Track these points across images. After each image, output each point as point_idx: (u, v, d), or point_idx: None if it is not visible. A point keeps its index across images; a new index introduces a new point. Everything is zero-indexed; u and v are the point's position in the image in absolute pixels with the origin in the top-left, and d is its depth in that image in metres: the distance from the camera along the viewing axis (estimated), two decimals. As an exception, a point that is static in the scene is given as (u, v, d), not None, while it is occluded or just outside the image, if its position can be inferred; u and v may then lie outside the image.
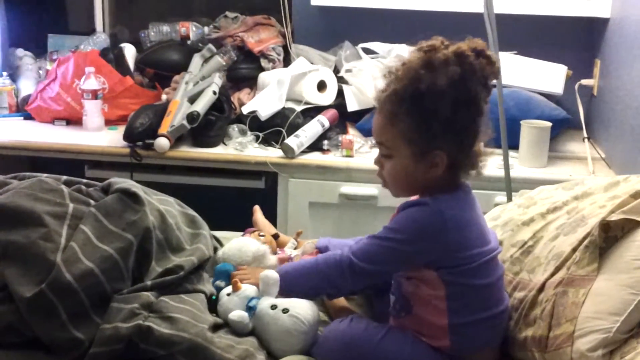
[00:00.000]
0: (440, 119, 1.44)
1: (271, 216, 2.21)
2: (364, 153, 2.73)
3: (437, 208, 1.47)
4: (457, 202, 1.51)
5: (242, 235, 1.97)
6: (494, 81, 1.55)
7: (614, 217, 1.44)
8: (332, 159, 2.71)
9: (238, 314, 1.61)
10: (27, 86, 3.16)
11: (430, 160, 1.48)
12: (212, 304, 1.68)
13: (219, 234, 2.01)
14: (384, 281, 1.63)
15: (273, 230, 2.04)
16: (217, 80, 2.82)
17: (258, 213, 2.10)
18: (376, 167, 1.57)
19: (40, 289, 1.48)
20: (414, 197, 1.56)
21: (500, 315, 1.55)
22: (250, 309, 1.62)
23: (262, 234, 1.97)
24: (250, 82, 3.08)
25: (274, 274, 1.63)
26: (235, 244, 1.83)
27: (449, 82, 1.43)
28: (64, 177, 1.82)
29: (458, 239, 1.48)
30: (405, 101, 1.46)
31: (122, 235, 1.61)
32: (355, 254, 1.52)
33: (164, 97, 2.98)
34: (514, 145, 2.63)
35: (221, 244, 1.97)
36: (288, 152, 2.68)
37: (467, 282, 1.49)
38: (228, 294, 1.68)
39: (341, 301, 1.76)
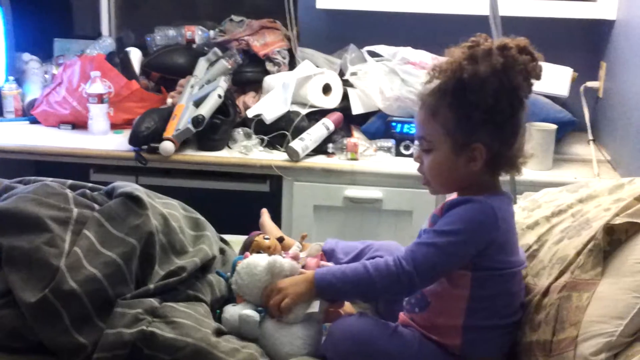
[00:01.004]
0: (481, 109, 1.44)
1: (276, 219, 2.21)
2: (368, 156, 2.72)
3: (489, 205, 1.47)
4: (504, 205, 1.51)
5: (247, 237, 1.97)
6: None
7: (618, 221, 1.44)
8: (337, 162, 2.71)
9: (249, 312, 1.60)
10: (33, 90, 3.16)
11: (469, 153, 1.48)
12: (216, 318, 1.67)
13: (223, 237, 2.01)
14: None
15: (278, 233, 2.03)
16: (223, 84, 2.82)
17: (265, 216, 2.10)
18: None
19: (44, 294, 1.48)
20: (454, 195, 1.56)
21: (514, 326, 1.55)
22: (260, 312, 1.62)
23: (266, 236, 1.97)
24: (256, 86, 3.07)
25: (254, 315, 1.60)
26: (243, 272, 1.67)
27: (491, 71, 1.43)
28: (69, 181, 1.83)
29: (503, 241, 1.49)
30: (448, 93, 1.47)
31: (125, 240, 1.61)
32: (417, 269, 1.46)
33: (169, 100, 2.99)
34: (519, 147, 2.63)
35: (229, 246, 1.97)
36: (293, 155, 2.68)
37: (495, 288, 1.50)
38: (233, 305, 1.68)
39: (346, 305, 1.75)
